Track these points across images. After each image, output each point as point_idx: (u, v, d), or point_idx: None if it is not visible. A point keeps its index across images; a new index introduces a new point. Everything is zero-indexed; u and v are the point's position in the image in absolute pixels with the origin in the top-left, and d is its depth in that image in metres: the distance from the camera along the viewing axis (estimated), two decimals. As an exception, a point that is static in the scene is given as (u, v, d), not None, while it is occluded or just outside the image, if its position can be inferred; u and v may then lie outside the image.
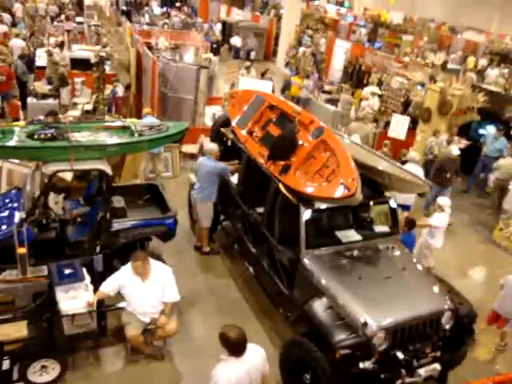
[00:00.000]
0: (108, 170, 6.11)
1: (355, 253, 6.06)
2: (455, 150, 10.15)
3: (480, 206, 11.54)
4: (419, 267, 6.23)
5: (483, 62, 24.62)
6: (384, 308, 5.23)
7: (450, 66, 19.77)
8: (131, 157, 9.22)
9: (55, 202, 7.01)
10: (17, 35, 15.89)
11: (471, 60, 23.79)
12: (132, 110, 12.62)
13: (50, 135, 5.94)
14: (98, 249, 6.25)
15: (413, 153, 10.24)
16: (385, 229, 6.67)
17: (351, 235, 6.34)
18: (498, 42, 32.80)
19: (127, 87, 12.55)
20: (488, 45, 29.95)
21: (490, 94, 12.50)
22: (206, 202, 7.66)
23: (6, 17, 20.04)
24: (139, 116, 10.53)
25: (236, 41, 22.62)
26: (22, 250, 5.32)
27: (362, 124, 11.78)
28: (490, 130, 12.10)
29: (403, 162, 9.39)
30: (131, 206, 7.03)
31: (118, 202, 6.61)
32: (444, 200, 7.68)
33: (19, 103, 12.50)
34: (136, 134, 6.52)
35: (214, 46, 19.99)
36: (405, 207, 8.92)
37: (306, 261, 5.82)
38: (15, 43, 15.08)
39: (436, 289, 5.76)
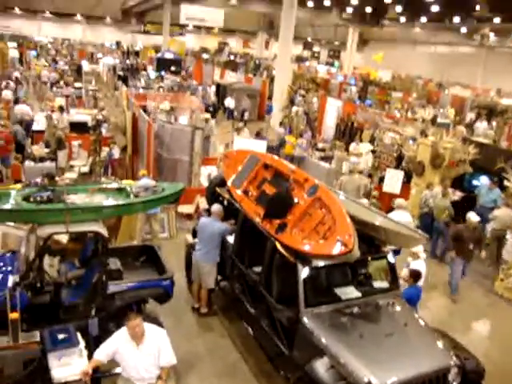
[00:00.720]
0: (104, 231, 6.09)
1: (355, 310, 5.98)
2: (474, 217, 9.43)
3: (478, 257, 11.49)
4: (422, 322, 6.13)
5: (471, 115, 25.19)
6: (387, 366, 5.11)
7: (439, 120, 20.24)
8: (127, 218, 9.24)
9: (50, 264, 6.95)
10: (23, 101, 16.43)
11: (451, 112, 24.49)
12: (128, 171, 12.74)
13: (45, 198, 5.96)
14: (93, 312, 6.12)
15: (400, 199, 10.32)
16: (384, 284, 6.62)
17: (350, 292, 6.27)
18: (483, 96, 33.77)
19: (123, 149, 12.73)
20: (474, 99, 30.78)
21: (481, 146, 12.74)
22: (211, 262, 7.61)
23: (11, 84, 20.64)
24: (135, 177, 10.63)
25: (230, 102, 23.18)
26: (14, 315, 5.20)
27: (353, 177, 11.91)
28: (483, 181, 12.24)
29: (392, 209, 9.42)
30: (127, 267, 6.96)
31: (114, 263, 6.55)
32: (419, 247, 7.62)
33: (21, 165, 12.67)
34: (132, 196, 6.56)
35: (210, 108, 20.38)
36: (395, 252, 8.92)
37: (305, 320, 5.72)
38: (21, 108, 15.52)
39: (440, 344, 5.65)
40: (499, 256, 10.66)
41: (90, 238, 6.78)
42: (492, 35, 41.55)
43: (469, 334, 8.45)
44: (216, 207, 7.76)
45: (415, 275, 7.04)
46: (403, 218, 9.07)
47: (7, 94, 17.94)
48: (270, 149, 12.61)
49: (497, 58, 44.20)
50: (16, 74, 24.68)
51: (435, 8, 32.39)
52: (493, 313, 9.36)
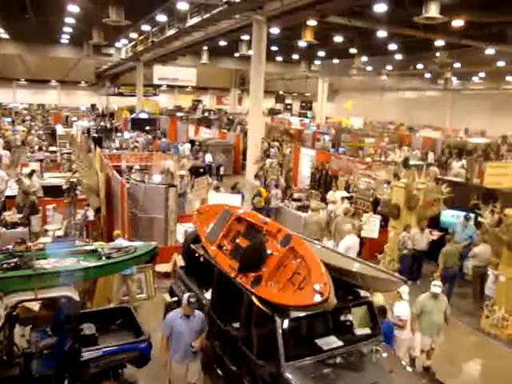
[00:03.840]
0: (75, 296, 5.93)
1: (338, 360, 5.85)
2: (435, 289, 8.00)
3: (461, 294, 11.45)
4: (408, 368, 6.00)
5: (431, 155, 25.86)
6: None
7: (412, 162, 20.65)
8: (103, 280, 9.04)
9: (21, 334, 6.71)
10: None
11: (405, 149, 25.33)
12: (103, 232, 12.58)
13: (13, 264, 5.81)
14: (66, 382, 5.87)
15: (349, 225, 10.91)
16: (366, 331, 6.50)
17: (332, 342, 6.15)
18: (453, 137, 34.75)
19: (97, 210, 12.62)
20: (444, 140, 31.67)
21: (454, 185, 12.96)
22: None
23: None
24: (111, 239, 10.47)
25: (208, 158, 23.31)
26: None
27: (347, 218, 12.05)
28: (458, 218, 12.40)
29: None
30: (103, 331, 6.76)
31: (89, 329, 6.37)
32: (403, 287, 7.57)
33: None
34: (104, 258, 6.44)
35: (201, 170, 20.16)
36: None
37: (287, 374, 5.55)
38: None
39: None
40: (482, 293, 10.65)
41: (62, 303, 6.58)
42: (455, 79, 43.21)
43: (459, 376, 8.31)
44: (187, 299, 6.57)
45: (380, 311, 7.04)
46: (355, 240, 10.60)
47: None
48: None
49: (462, 100, 45.86)
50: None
51: (399, 56, 33.67)
52: (481, 351, 9.25)
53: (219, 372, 7.08)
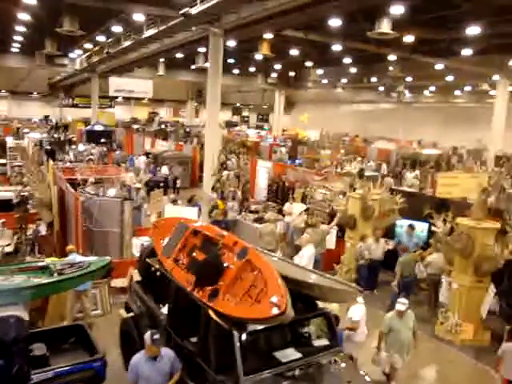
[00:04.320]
0: (25, 315, 5.70)
1: (297, 372, 5.81)
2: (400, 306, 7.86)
3: (417, 302, 11.69)
4: (366, 378, 6.04)
5: (384, 167, 26.45)
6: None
7: (367, 173, 21.02)
8: (56, 297, 8.74)
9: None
10: None
11: (357, 159, 25.93)
12: (56, 248, 12.21)
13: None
14: (15, 408, 5.62)
15: (306, 235, 11.08)
16: (324, 342, 6.51)
17: (290, 354, 6.11)
18: (406, 148, 35.71)
19: (50, 225, 12.26)
20: (398, 151, 32.47)
21: (408, 195, 13.26)
22: None
23: None
24: (64, 254, 10.18)
25: (165, 171, 23.07)
26: None
27: (317, 228, 12.24)
28: (402, 228, 12.80)
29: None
30: (55, 351, 6.53)
31: (39, 349, 6.13)
32: None
33: None
34: (55, 274, 6.24)
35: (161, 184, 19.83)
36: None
37: (246, 389, 5.48)
38: None
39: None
40: (437, 300, 10.89)
41: (9, 324, 6.32)
42: (407, 92, 44.52)
43: (414, 382, 8.43)
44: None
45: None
46: (312, 250, 10.70)
47: None
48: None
49: (414, 112, 47.24)
50: None
51: (354, 69, 34.45)
52: (437, 357, 9.42)
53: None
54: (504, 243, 9.41)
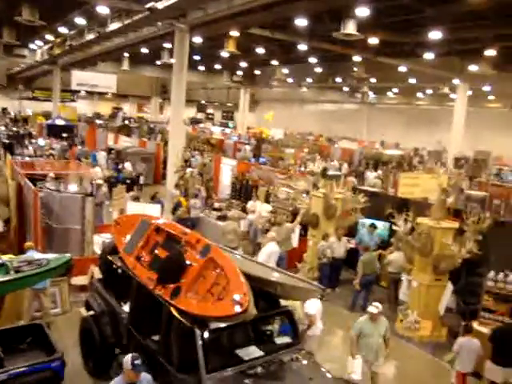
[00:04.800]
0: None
1: (259, 370, 5.83)
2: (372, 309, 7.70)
3: (377, 300, 11.85)
4: (328, 375, 6.10)
5: (345, 166, 26.66)
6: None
7: (330, 172, 21.21)
8: (12, 296, 8.52)
9: None
10: None
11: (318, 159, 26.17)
12: (14, 245, 11.88)
13: None
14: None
15: (270, 233, 11.11)
16: (286, 339, 6.56)
17: (253, 352, 6.14)
18: (369, 148, 36.29)
19: (7, 221, 11.92)
20: (362, 151, 32.92)
21: (370, 195, 13.46)
22: None
23: None
24: (22, 251, 9.91)
25: (128, 167, 22.68)
26: None
27: (283, 226, 12.36)
28: (363, 227, 13.01)
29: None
30: (11, 352, 6.36)
31: (-7, 350, 5.95)
32: None
33: None
34: (12, 272, 6.07)
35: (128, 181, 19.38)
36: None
37: (208, 387, 5.47)
38: None
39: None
40: (397, 298, 11.11)
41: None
42: (371, 93, 45.24)
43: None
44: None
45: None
46: (275, 248, 10.73)
47: None
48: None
49: (378, 113, 48.06)
50: None
51: (319, 69, 34.74)
52: (397, 354, 9.54)
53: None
54: (462, 242, 9.67)
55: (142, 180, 21.90)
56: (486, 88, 32.28)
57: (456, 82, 29.07)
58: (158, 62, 34.00)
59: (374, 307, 7.52)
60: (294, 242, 12.58)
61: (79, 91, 46.62)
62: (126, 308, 7.31)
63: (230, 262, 5.78)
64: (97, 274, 9.99)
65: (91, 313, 7.79)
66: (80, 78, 37.97)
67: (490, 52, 20.49)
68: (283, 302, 6.74)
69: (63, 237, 11.31)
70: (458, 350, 7.83)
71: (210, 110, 60.81)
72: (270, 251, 10.67)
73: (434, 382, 8.69)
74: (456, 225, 10.06)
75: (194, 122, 52.17)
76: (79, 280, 10.89)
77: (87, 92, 49.17)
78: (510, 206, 18.22)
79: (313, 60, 30.37)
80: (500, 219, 13.87)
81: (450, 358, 8.09)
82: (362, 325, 7.55)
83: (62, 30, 26.20)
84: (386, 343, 7.59)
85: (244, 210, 14.90)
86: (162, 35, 21.68)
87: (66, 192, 12.42)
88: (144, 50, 29.54)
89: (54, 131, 33.10)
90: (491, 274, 9.43)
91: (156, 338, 6.50)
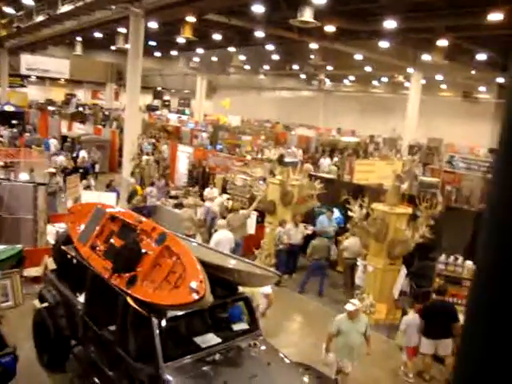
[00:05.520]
0: None
1: (217, 357, 5.84)
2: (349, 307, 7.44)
3: (333, 284, 12.15)
4: (285, 359, 6.18)
5: (300, 153, 26.80)
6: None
7: (287, 159, 21.36)
8: (-40, 289, 8.23)
9: None
10: None
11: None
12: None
13: None
14: None
15: (221, 220, 11.18)
16: (244, 326, 6.60)
17: (210, 339, 6.14)
18: (326, 135, 36.67)
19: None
20: (318, 138, 33.23)
21: (326, 181, 13.61)
22: None
23: None
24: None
25: (83, 155, 22.15)
26: None
27: (238, 214, 12.29)
28: (323, 213, 13.21)
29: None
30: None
31: None
32: None
33: None
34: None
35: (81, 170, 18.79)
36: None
37: (166, 376, 5.44)
38: None
39: (305, 379, 5.74)
40: (353, 283, 11.35)
41: None
42: (328, 81, 45.62)
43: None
44: None
45: None
46: (226, 235, 10.65)
47: None
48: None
49: (334, 101, 48.56)
50: None
51: (276, 56, 34.76)
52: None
53: (96, 380, 6.77)
54: (415, 227, 9.94)
55: (97, 168, 21.46)
56: (439, 77, 33.11)
57: (410, 70, 29.67)
58: (113, 48, 33.22)
59: (351, 304, 7.24)
60: (251, 228, 12.62)
61: (29, 76, 45.03)
62: (82, 299, 7.18)
63: (186, 250, 5.74)
64: (51, 264, 9.77)
65: (45, 305, 7.62)
66: (30, 62, 36.61)
67: (443, 42, 20.96)
68: (242, 289, 6.78)
69: (14, 227, 10.97)
70: (404, 328, 8.30)
71: (166, 97, 60.00)
72: (217, 239, 10.57)
73: (388, 362, 8.94)
74: (409, 210, 10.30)
75: (151, 109, 51.35)
76: (32, 271, 10.62)
77: (38, 77, 47.60)
78: (461, 192, 18.81)
79: (270, 47, 30.34)
80: (451, 205, 14.33)
81: (399, 340, 8.62)
82: (339, 323, 7.31)
83: (8, 10, 25.15)
84: (367, 340, 7.39)
85: (201, 197, 14.83)
86: (116, 19, 21.19)
87: (17, 181, 12.04)
88: (98, 35, 28.87)
89: (2, 118, 31.89)
90: (442, 257, 9.75)
91: (112, 328, 6.40)
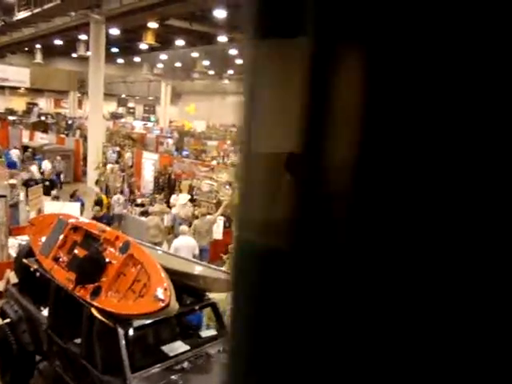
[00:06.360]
0: None
1: (186, 364, 5.80)
2: None
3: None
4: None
5: None
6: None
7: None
8: None
9: None
10: None
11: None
12: None
13: None
14: None
15: (183, 226, 11.17)
16: (212, 332, 6.58)
17: (178, 347, 6.09)
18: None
19: None
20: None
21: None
22: None
23: None
24: None
25: (46, 165, 21.65)
26: None
27: (204, 219, 12.25)
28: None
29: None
30: None
31: None
32: None
33: None
34: None
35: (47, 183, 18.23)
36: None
37: (134, 387, 5.38)
38: None
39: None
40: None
41: None
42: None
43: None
44: None
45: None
46: (188, 242, 10.44)
47: None
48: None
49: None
50: None
51: (240, 61, 34.86)
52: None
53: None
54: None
55: (62, 178, 21.05)
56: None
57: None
58: (75, 55, 32.77)
59: None
60: (218, 233, 12.59)
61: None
62: (45, 312, 7.04)
63: (150, 258, 5.70)
64: (13, 278, 9.54)
65: (7, 321, 7.42)
66: (-13, 71, 35.88)
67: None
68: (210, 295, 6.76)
69: (-26, 241, 10.68)
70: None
71: (131, 104, 59.46)
72: (176, 245, 10.38)
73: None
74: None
75: (115, 116, 50.81)
76: (-6, 286, 10.36)
77: (-3, 86, 46.56)
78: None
79: (234, 52, 30.44)
80: None
81: None
82: None
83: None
84: None
85: (168, 204, 14.73)
86: (76, 26, 20.90)
87: (-25, 193, 11.70)
88: (58, 42, 28.41)
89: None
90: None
91: (78, 341, 6.30)
